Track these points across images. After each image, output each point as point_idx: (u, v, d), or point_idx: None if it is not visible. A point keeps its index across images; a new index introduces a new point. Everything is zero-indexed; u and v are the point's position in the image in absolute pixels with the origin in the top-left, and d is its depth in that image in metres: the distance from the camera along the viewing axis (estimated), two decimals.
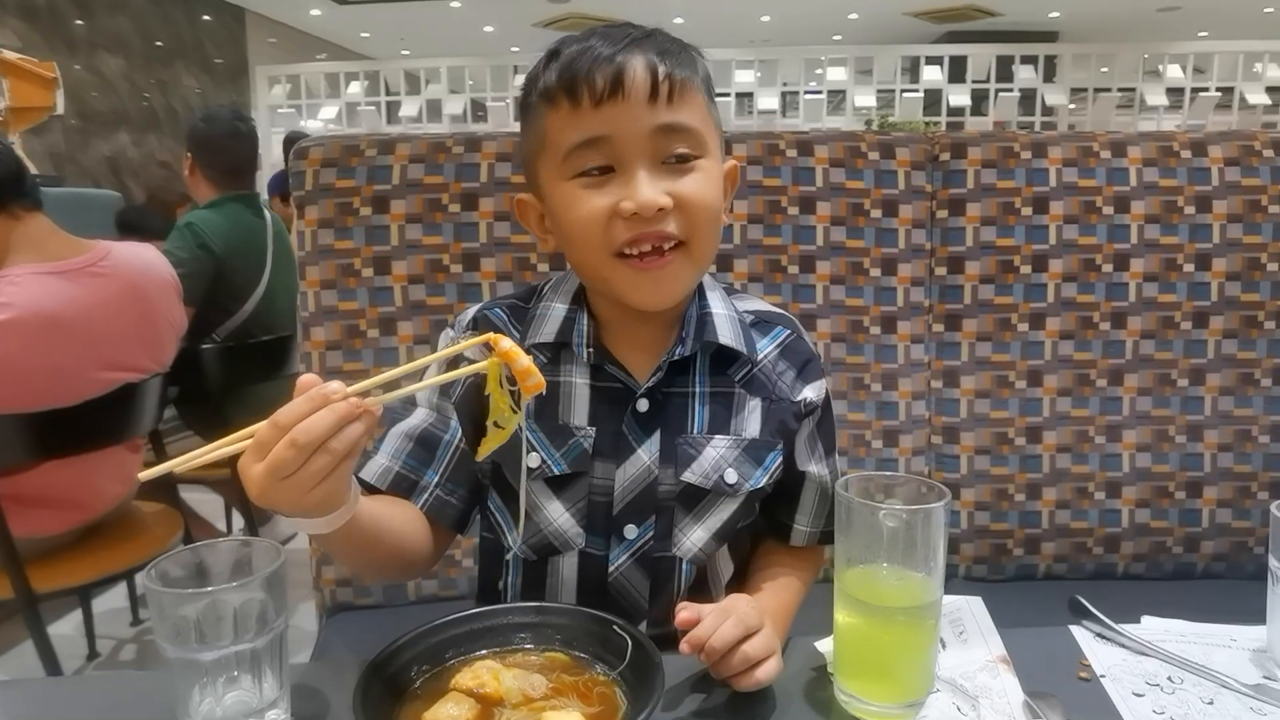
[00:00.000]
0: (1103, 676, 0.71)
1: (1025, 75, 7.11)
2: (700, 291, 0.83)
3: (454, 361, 0.71)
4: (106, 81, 8.27)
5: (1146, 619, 0.81)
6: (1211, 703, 0.67)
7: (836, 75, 7.30)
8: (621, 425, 0.80)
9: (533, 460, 0.80)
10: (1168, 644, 0.75)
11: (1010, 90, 6.88)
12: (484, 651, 0.68)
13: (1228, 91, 6.89)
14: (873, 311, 1.26)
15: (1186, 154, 1.25)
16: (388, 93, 7.64)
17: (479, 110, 7.88)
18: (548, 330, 0.81)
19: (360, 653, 0.68)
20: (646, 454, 0.80)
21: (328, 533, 0.63)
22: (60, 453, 1.53)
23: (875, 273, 1.25)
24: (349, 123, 7.36)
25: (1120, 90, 7.09)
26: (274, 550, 0.60)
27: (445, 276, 1.21)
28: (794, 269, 1.25)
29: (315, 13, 10.25)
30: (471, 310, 0.86)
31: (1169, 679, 0.71)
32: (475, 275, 1.21)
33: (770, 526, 0.91)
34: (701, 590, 0.87)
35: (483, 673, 0.63)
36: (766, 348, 0.86)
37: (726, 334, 0.82)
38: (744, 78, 7.11)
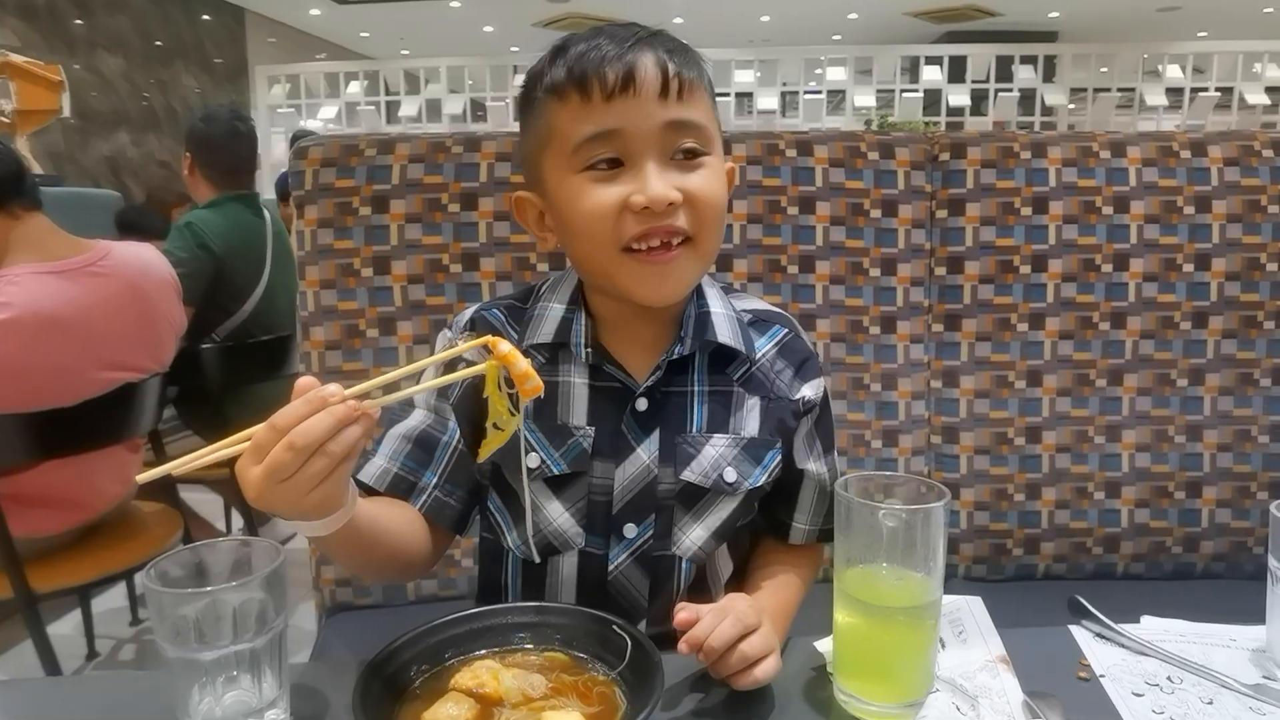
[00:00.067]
0: (1102, 676, 0.71)
1: (1025, 75, 7.12)
2: (698, 290, 0.83)
3: (452, 363, 0.71)
4: (106, 81, 8.27)
5: (1146, 619, 0.81)
6: (1211, 703, 0.67)
7: (836, 75, 7.31)
8: (620, 425, 0.80)
9: (532, 460, 0.79)
10: (1167, 644, 0.75)
11: (1010, 90, 6.89)
12: (483, 651, 0.68)
13: (1227, 92, 6.89)
14: (872, 311, 1.26)
15: (1186, 154, 1.25)
16: (387, 92, 7.65)
17: (479, 110, 7.88)
18: (545, 330, 0.81)
19: (360, 652, 0.68)
20: (646, 453, 0.81)
21: (326, 535, 0.63)
22: (60, 452, 1.53)
23: (875, 273, 1.25)
24: (348, 122, 7.36)
25: (1120, 90, 7.10)
26: (273, 550, 0.60)
27: (445, 276, 1.21)
28: (793, 269, 1.25)
29: (315, 12, 10.25)
30: (469, 311, 0.86)
31: (1168, 679, 0.71)
32: (475, 275, 1.21)
33: (769, 525, 0.91)
34: (701, 589, 0.87)
35: (482, 673, 0.63)
36: (764, 346, 0.86)
37: (725, 333, 0.82)
38: (743, 77, 7.11)
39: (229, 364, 2.21)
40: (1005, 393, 1.27)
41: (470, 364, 0.66)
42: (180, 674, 0.58)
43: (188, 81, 9.42)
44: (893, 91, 7.30)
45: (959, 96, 7.13)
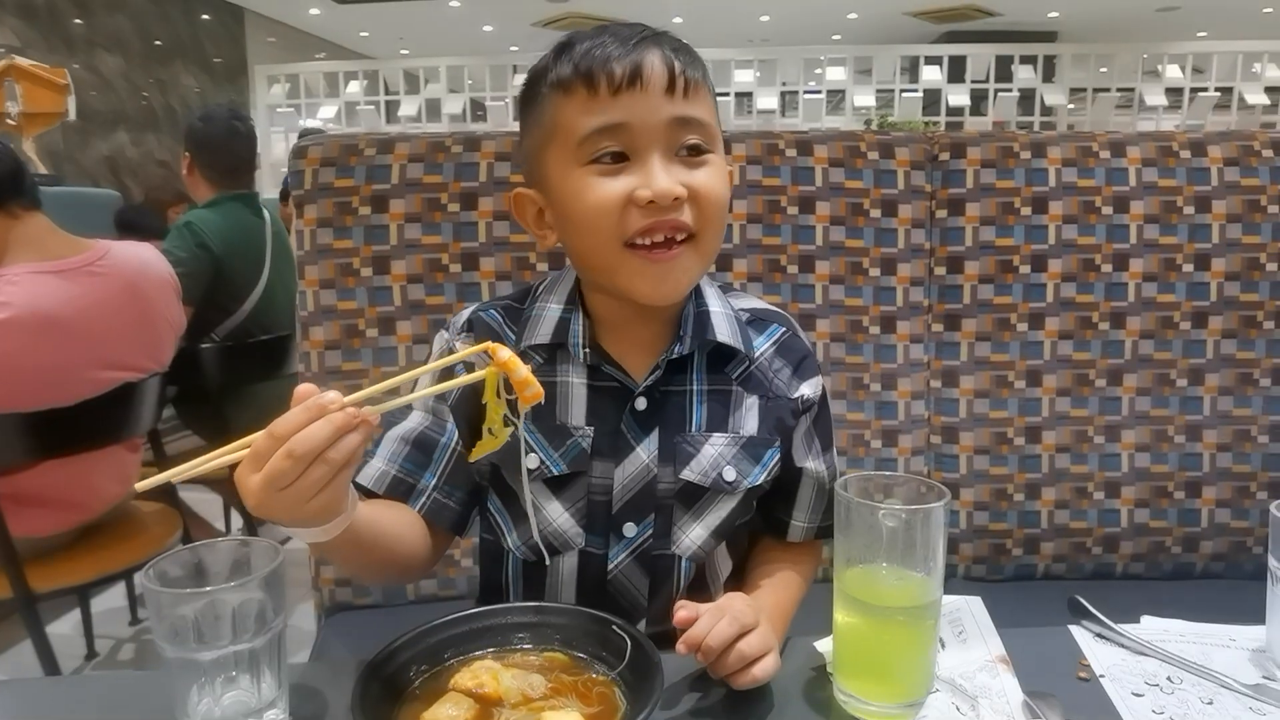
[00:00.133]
0: (1102, 676, 0.71)
1: (1024, 75, 7.13)
2: (697, 290, 0.83)
3: (449, 366, 0.70)
4: (105, 81, 8.27)
5: (1145, 619, 0.81)
6: (1211, 703, 0.67)
7: (836, 75, 7.32)
8: (620, 424, 0.80)
9: (531, 461, 0.79)
10: (1167, 644, 0.75)
11: (1009, 90, 6.90)
12: (483, 651, 0.67)
13: (1226, 91, 6.90)
14: (872, 311, 1.26)
15: (1185, 154, 1.25)
16: (387, 92, 7.65)
17: (478, 109, 7.89)
18: (543, 331, 0.81)
19: (359, 652, 0.68)
20: (645, 452, 0.80)
21: (325, 540, 0.63)
22: (59, 452, 1.53)
23: (874, 272, 1.25)
24: (348, 122, 7.37)
25: (1119, 90, 7.11)
26: (272, 550, 0.60)
27: (444, 276, 1.21)
28: (793, 269, 1.24)
29: (314, 12, 10.25)
30: (466, 312, 0.86)
31: (1168, 679, 0.71)
32: (474, 275, 1.21)
33: (767, 523, 0.91)
34: (700, 588, 0.87)
35: (481, 673, 0.63)
36: (763, 345, 0.86)
37: (724, 332, 0.82)
38: (743, 77, 7.12)
39: (228, 364, 2.21)
40: (1005, 393, 1.27)
41: (470, 367, 0.66)
42: (179, 674, 0.57)
43: (187, 81, 9.42)
44: (892, 91, 7.31)
45: (958, 96, 7.14)
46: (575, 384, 0.81)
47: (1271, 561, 0.71)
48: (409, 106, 7.40)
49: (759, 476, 0.83)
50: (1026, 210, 1.24)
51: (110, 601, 2.35)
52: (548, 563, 0.82)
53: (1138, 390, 1.26)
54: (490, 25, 10.84)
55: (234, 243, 2.31)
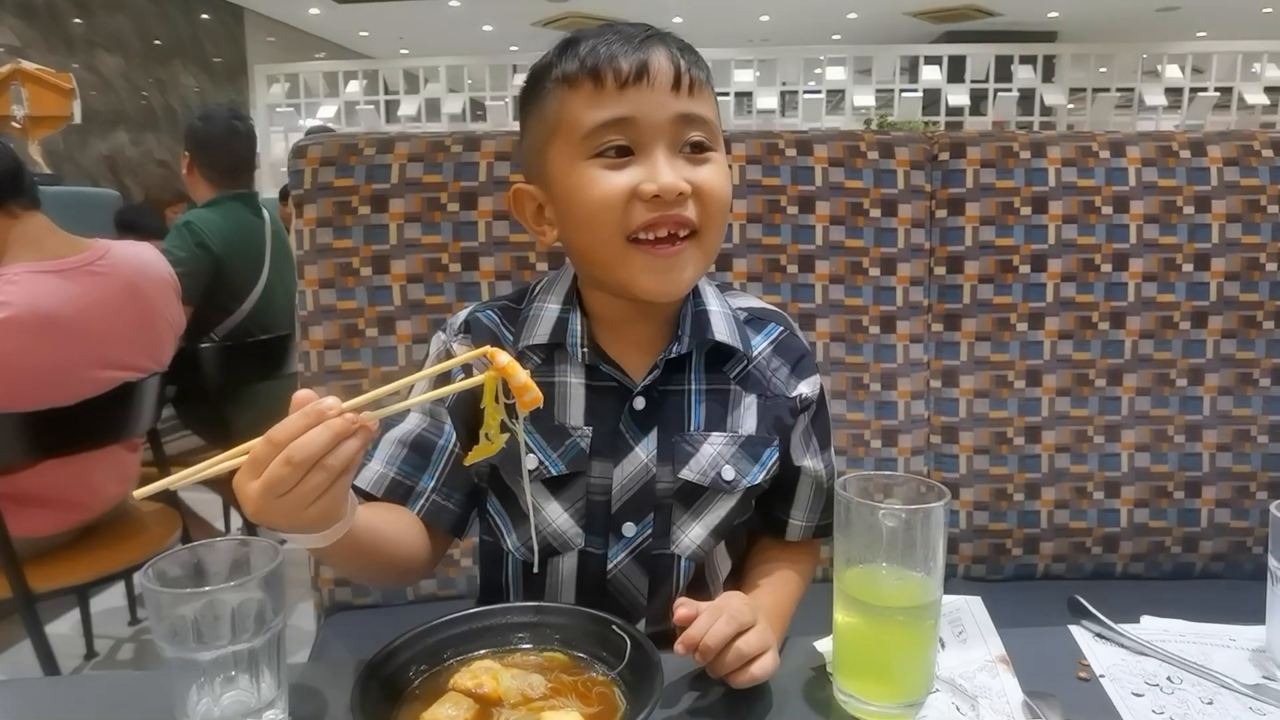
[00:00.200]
0: (1102, 676, 0.71)
1: (1024, 75, 7.13)
2: (695, 289, 0.83)
3: (448, 370, 0.70)
4: (105, 80, 8.27)
5: (1145, 619, 0.81)
6: (1211, 703, 0.67)
7: (835, 75, 7.32)
8: (618, 424, 0.80)
9: (530, 462, 0.79)
10: (1167, 644, 0.75)
11: (1009, 90, 6.90)
12: (482, 651, 0.67)
13: (1226, 91, 6.91)
14: (872, 311, 1.26)
15: (1185, 154, 1.25)
16: (386, 92, 7.65)
17: (478, 109, 7.89)
18: (541, 332, 0.81)
19: (358, 652, 0.68)
20: (644, 452, 0.80)
21: (325, 546, 0.63)
22: (58, 452, 1.53)
23: (874, 272, 1.25)
24: (348, 122, 7.37)
25: (1119, 90, 7.11)
26: (272, 550, 0.60)
27: (444, 275, 1.21)
28: (793, 268, 1.24)
29: (314, 11, 10.24)
30: (463, 313, 0.86)
31: (1168, 679, 0.71)
32: (474, 274, 1.21)
33: (766, 522, 0.91)
34: (700, 587, 0.87)
35: (481, 673, 0.63)
36: (761, 344, 0.86)
37: (722, 331, 0.82)
38: (743, 77, 7.12)
39: (228, 363, 2.21)
40: (1005, 392, 1.27)
41: (468, 370, 0.66)
42: (178, 674, 0.57)
43: (186, 80, 9.42)
44: (892, 91, 7.31)
45: (958, 96, 7.14)
46: (573, 384, 0.81)
47: (1271, 561, 0.71)
48: (409, 106, 7.41)
49: (758, 476, 0.83)
50: (1026, 210, 1.24)
51: (110, 601, 2.35)
52: (535, 569, 0.81)
53: (1137, 390, 1.26)
54: (490, 25, 10.84)
55: (233, 242, 2.31)
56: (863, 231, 1.24)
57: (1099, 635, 0.77)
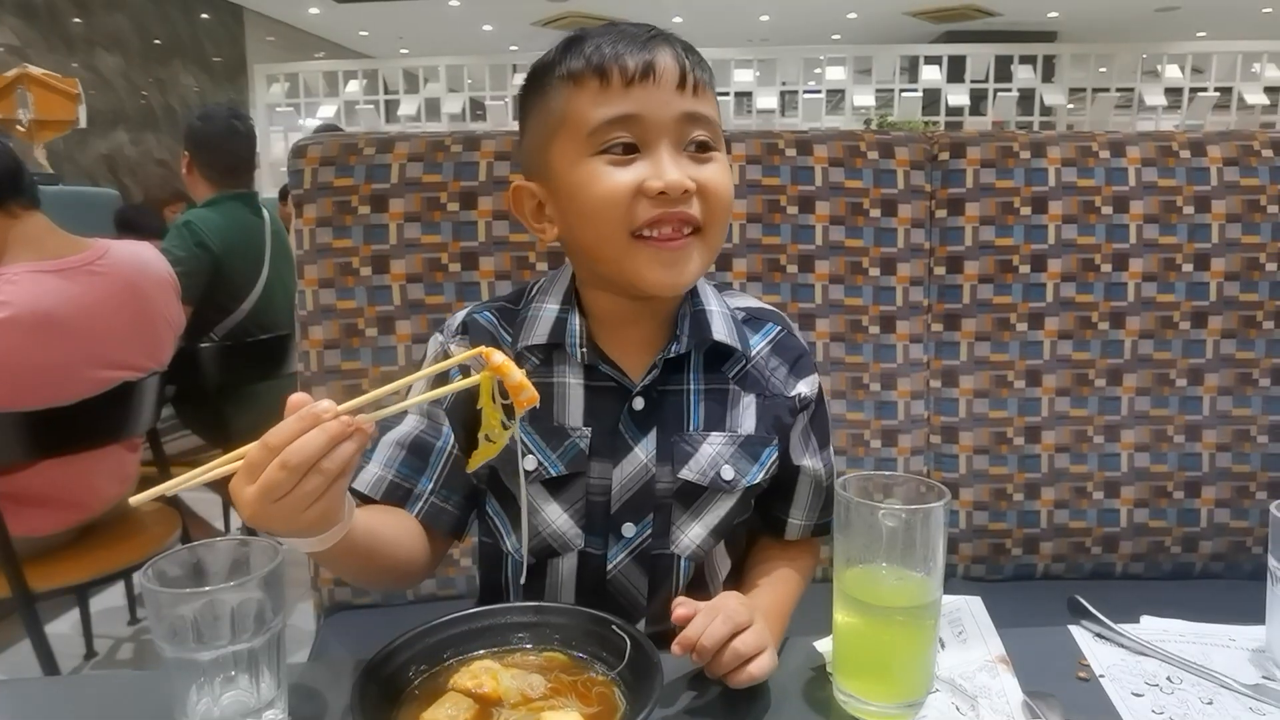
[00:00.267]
0: (1101, 676, 0.71)
1: (1024, 75, 7.13)
2: (693, 289, 0.83)
3: (444, 370, 0.70)
4: (104, 80, 8.26)
5: (1145, 619, 0.81)
6: (1210, 703, 0.67)
7: (835, 74, 7.32)
8: (618, 424, 0.80)
9: (529, 463, 0.79)
10: (1166, 644, 0.75)
11: (1009, 90, 6.91)
12: (482, 651, 0.67)
13: (1226, 91, 6.91)
14: (872, 311, 1.26)
15: (1185, 154, 1.25)
16: (386, 91, 7.65)
17: (478, 109, 7.89)
18: (539, 332, 0.81)
19: (358, 652, 0.68)
20: (643, 452, 0.80)
21: (323, 550, 0.63)
22: (58, 451, 1.53)
23: (874, 272, 1.25)
24: (347, 121, 7.36)
25: (1119, 90, 7.12)
26: (271, 550, 0.60)
27: (444, 275, 1.21)
28: (793, 268, 1.24)
29: (314, 11, 10.24)
30: (460, 315, 0.85)
31: (1168, 679, 0.71)
32: (474, 274, 1.21)
33: (765, 521, 0.91)
34: (699, 587, 0.87)
35: (481, 673, 0.63)
36: (759, 344, 0.86)
37: (721, 331, 0.82)
38: (743, 77, 7.12)
39: (227, 363, 2.21)
40: (1004, 392, 1.27)
41: (465, 371, 0.65)
42: (178, 674, 0.57)
43: (186, 80, 9.41)
44: (892, 91, 7.31)
45: (958, 96, 7.15)
46: (572, 384, 0.81)
47: (1271, 561, 0.71)
48: (408, 106, 7.41)
49: (757, 475, 0.83)
50: (1026, 210, 1.24)
51: (109, 601, 2.35)
52: (524, 573, 0.81)
53: (1137, 390, 1.26)
54: (490, 25, 10.84)
55: (233, 242, 2.31)
56: (862, 231, 1.24)
57: (1099, 635, 0.77)
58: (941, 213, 1.26)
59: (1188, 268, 1.25)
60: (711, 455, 0.81)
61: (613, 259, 0.75)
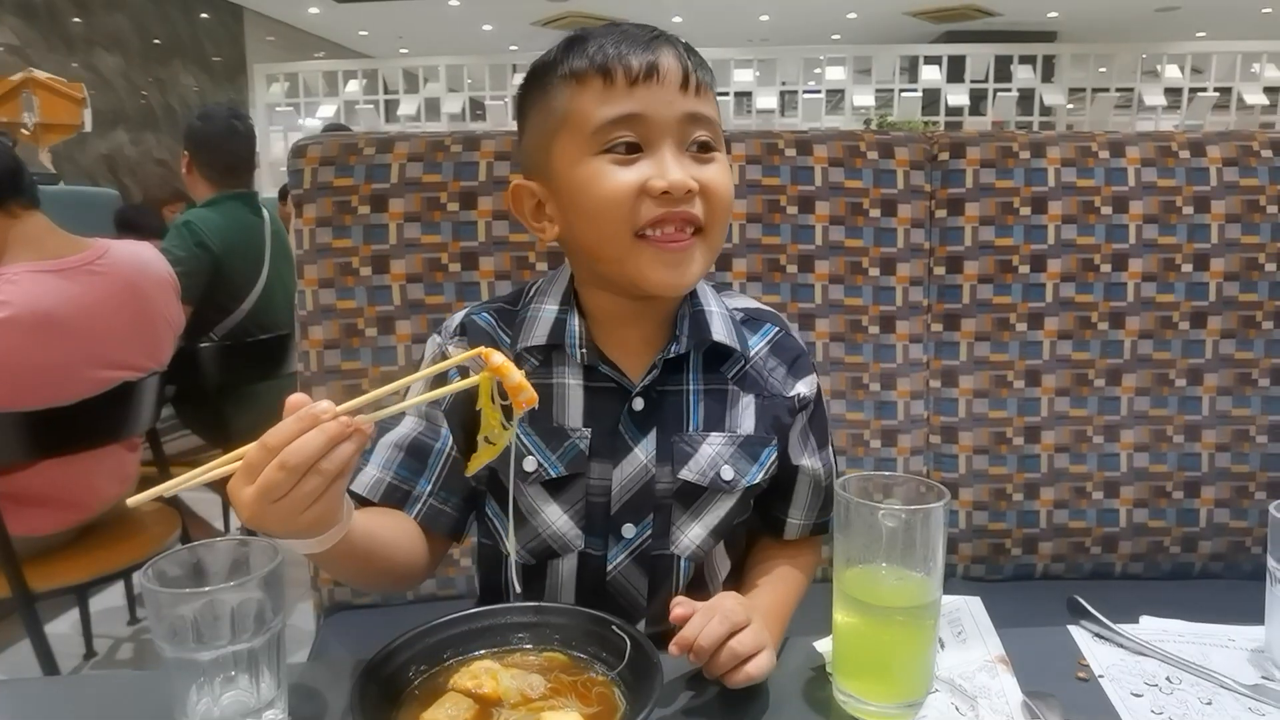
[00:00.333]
0: (1101, 676, 0.71)
1: (1024, 75, 7.14)
2: (692, 289, 0.83)
3: (442, 371, 0.70)
4: (104, 80, 8.25)
5: (1144, 619, 0.81)
6: (1210, 703, 0.67)
7: (835, 74, 7.32)
8: (618, 425, 0.80)
9: (529, 464, 0.79)
10: (1166, 644, 0.75)
11: (1009, 90, 6.91)
12: (482, 651, 0.67)
13: (1226, 92, 6.91)
14: (871, 311, 1.26)
15: (1185, 154, 1.25)
16: (386, 91, 7.65)
17: (477, 109, 7.89)
18: (539, 333, 0.81)
19: (358, 652, 0.68)
20: (643, 453, 0.80)
21: (321, 551, 0.63)
22: (57, 451, 1.53)
23: (874, 272, 1.25)
24: (347, 121, 7.36)
25: (1118, 90, 7.12)
26: (271, 550, 0.60)
27: (444, 275, 1.21)
28: (793, 268, 1.24)
29: (313, 11, 10.24)
30: (458, 316, 0.85)
31: (1167, 679, 0.71)
32: (474, 274, 1.21)
33: (764, 521, 0.91)
34: (699, 587, 0.87)
35: (481, 673, 0.63)
36: (757, 345, 0.86)
37: (721, 331, 0.82)
38: (742, 77, 7.13)
39: (227, 363, 2.21)
40: (1004, 392, 1.27)
41: (464, 371, 0.65)
42: (178, 674, 0.57)
43: (186, 80, 9.41)
44: (892, 91, 7.32)
45: (958, 96, 7.15)
46: (571, 385, 0.81)
47: (1270, 561, 0.71)
48: (408, 106, 7.41)
49: (756, 475, 0.83)
50: (1026, 210, 1.24)
51: (109, 601, 2.35)
52: (513, 573, 0.81)
53: (1136, 390, 1.27)
54: (490, 24, 10.84)
55: (233, 242, 2.31)
56: (862, 231, 1.25)
57: (1098, 635, 0.77)
58: (941, 213, 1.26)
59: (1187, 268, 1.25)
60: (711, 455, 0.81)
61: (615, 259, 0.75)
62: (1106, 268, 1.25)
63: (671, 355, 0.80)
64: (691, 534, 0.83)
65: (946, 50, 7.48)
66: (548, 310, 0.82)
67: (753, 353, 0.85)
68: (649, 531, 0.81)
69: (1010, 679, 0.70)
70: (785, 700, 0.68)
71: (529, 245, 1.21)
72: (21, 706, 0.69)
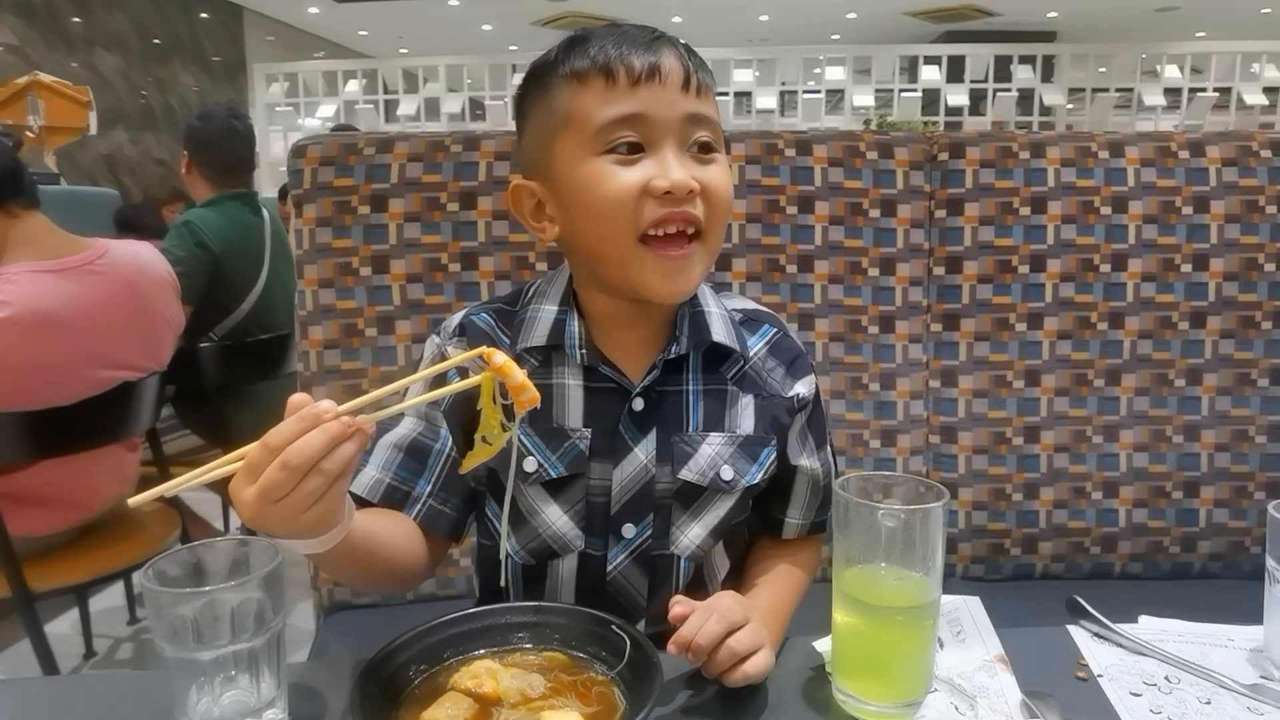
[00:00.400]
0: (1100, 676, 0.71)
1: (1023, 75, 7.14)
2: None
3: (443, 371, 0.70)
4: (104, 79, 8.25)
5: (1144, 619, 0.81)
6: (1209, 702, 0.68)
7: (835, 74, 7.32)
8: (618, 425, 0.80)
9: (529, 465, 0.79)
10: (1165, 644, 0.75)
11: (1008, 90, 6.91)
12: (482, 651, 0.68)
13: (1225, 92, 6.92)
14: (871, 311, 1.26)
15: (1184, 154, 1.25)
16: (386, 91, 7.65)
17: (477, 109, 7.89)
18: (539, 334, 0.81)
19: (358, 652, 0.68)
20: (643, 453, 0.80)
21: (322, 552, 0.63)
22: (57, 451, 1.53)
23: (873, 272, 1.25)
24: (347, 121, 7.35)
25: (1118, 90, 7.12)
26: (271, 549, 0.60)
27: (443, 275, 1.21)
28: (792, 268, 1.25)
29: (313, 10, 10.24)
30: (457, 316, 0.85)
31: (1166, 679, 0.71)
32: (474, 274, 1.21)
33: (762, 521, 0.91)
34: (699, 587, 0.87)
35: (481, 672, 0.63)
36: (756, 345, 0.86)
37: (720, 332, 0.82)
38: (742, 77, 7.13)
39: (227, 363, 2.20)
40: (1004, 392, 1.27)
41: (465, 372, 0.65)
42: (178, 674, 0.57)
43: (185, 80, 9.41)
44: (891, 91, 7.32)
45: (957, 96, 7.15)
46: (571, 385, 0.81)
47: (1269, 561, 0.71)
48: (408, 106, 7.41)
49: (756, 475, 0.83)
50: (1025, 210, 1.24)
51: (109, 601, 2.35)
52: (504, 575, 0.81)
53: (1136, 390, 1.27)
54: (489, 24, 10.84)
55: (233, 242, 2.31)
56: (862, 232, 1.25)
57: (1097, 635, 0.78)
58: (941, 213, 1.26)
59: (1186, 268, 1.25)
60: (711, 456, 0.81)
61: (616, 261, 0.75)
62: (1106, 268, 1.25)
63: (672, 356, 0.80)
64: (691, 534, 0.83)
65: (946, 50, 7.48)
66: (547, 311, 0.82)
67: (751, 353, 0.85)
68: (649, 531, 0.81)
69: (1009, 678, 0.70)
70: (784, 700, 0.68)
71: (529, 245, 1.21)
72: (21, 706, 0.69)
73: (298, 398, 0.57)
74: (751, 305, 0.90)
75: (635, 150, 0.73)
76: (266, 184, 5.80)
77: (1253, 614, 0.75)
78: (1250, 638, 0.76)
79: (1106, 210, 1.24)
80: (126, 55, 8.56)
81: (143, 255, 1.75)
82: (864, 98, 7.32)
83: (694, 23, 10.08)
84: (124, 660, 2.19)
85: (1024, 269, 1.25)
